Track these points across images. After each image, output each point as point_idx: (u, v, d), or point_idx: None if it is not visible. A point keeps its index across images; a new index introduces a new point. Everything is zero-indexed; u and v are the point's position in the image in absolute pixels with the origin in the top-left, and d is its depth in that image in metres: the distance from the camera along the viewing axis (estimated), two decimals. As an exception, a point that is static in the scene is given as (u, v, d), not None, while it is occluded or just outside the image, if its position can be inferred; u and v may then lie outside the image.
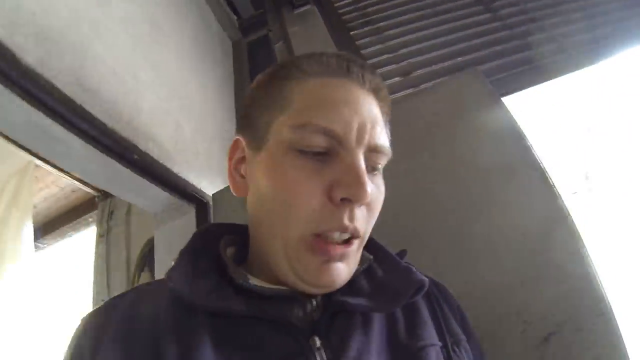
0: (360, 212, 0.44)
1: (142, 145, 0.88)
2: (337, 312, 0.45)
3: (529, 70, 1.17)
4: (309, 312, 0.45)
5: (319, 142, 0.43)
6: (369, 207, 0.45)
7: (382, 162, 0.48)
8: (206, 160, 1.20)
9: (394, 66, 1.35)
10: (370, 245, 0.54)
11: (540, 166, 0.76)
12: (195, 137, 1.17)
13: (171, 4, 1.28)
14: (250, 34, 1.90)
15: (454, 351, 0.48)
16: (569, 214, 0.72)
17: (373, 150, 0.45)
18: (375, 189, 0.46)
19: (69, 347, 0.43)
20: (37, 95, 0.62)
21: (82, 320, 0.45)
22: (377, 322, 0.46)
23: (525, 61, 1.20)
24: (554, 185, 0.75)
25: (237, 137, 0.51)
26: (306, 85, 0.46)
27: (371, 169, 0.46)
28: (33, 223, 1.83)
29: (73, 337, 0.43)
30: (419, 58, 1.34)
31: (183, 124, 1.12)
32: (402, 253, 0.56)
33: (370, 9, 1.57)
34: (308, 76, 0.46)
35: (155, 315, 0.42)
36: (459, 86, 0.91)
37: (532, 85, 1.13)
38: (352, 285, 0.49)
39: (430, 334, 0.48)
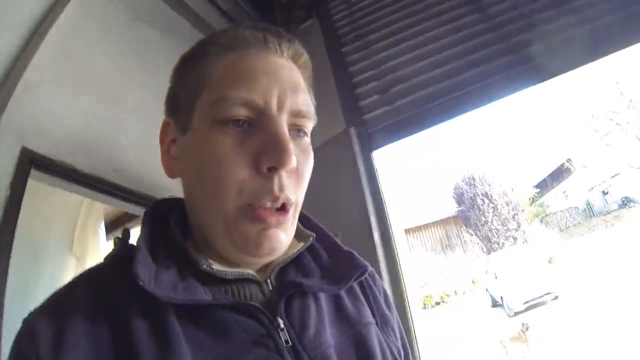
0: (289, 181, 0.44)
1: (160, 195, 1.31)
2: (292, 293, 0.47)
3: (523, 71, 1.16)
4: (266, 293, 0.47)
5: (240, 112, 0.42)
6: (297, 173, 0.45)
7: (308, 126, 0.48)
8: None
9: (374, 83, 1.36)
10: (305, 222, 0.56)
11: (369, 224, 1.00)
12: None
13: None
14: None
15: (383, 330, 0.53)
16: (390, 264, 0.93)
17: (296, 115, 0.45)
18: (301, 154, 0.46)
19: (16, 351, 0.38)
20: (91, 185, 1.08)
21: (26, 322, 0.39)
22: (324, 300, 0.50)
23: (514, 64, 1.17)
24: (377, 241, 0.96)
25: (167, 120, 0.51)
26: (224, 60, 0.45)
27: (296, 132, 0.46)
28: (106, 221, 2.43)
29: (20, 340, 0.38)
30: (398, 73, 1.33)
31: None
32: (336, 235, 0.58)
33: (361, 21, 1.52)
34: (226, 51, 0.46)
35: (114, 304, 0.40)
36: (333, 149, 1.12)
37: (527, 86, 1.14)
38: (299, 265, 0.52)
39: (368, 313, 0.52)
